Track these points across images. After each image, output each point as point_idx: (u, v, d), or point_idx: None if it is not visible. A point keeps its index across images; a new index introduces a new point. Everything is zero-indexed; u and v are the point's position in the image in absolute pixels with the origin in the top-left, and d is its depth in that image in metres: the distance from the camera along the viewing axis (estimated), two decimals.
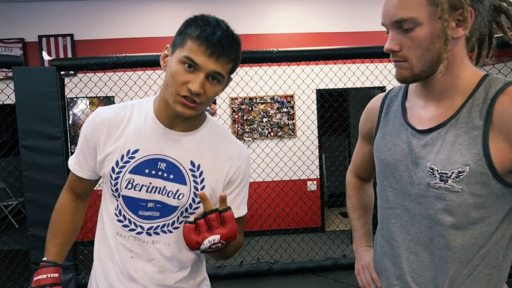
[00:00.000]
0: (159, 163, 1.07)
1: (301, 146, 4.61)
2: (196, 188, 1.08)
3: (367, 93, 5.14)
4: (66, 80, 3.23)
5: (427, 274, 0.95)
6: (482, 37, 0.94)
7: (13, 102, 2.52)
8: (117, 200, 1.09)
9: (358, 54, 2.96)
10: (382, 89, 4.89)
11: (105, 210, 1.13)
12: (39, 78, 2.52)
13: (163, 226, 1.09)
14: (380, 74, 3.96)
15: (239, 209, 1.16)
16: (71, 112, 4.90)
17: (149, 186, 1.07)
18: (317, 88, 4.85)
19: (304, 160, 4.62)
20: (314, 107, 4.92)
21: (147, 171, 1.06)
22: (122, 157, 1.07)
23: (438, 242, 0.92)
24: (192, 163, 1.08)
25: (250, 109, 5.11)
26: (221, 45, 0.95)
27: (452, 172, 0.87)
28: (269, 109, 5.13)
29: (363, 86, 4.53)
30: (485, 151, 0.84)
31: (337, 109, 4.30)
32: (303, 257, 3.76)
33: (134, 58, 2.68)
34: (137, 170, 1.06)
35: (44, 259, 1.16)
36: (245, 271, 3.08)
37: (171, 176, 1.07)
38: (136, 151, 1.07)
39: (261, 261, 3.22)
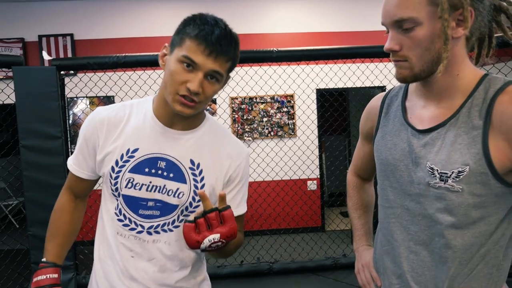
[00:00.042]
0: (159, 162, 1.07)
1: (301, 146, 4.61)
2: (196, 187, 1.08)
3: (367, 93, 5.15)
4: (66, 79, 3.23)
5: (427, 273, 0.95)
6: (482, 37, 0.94)
7: (13, 102, 2.52)
8: (117, 200, 1.09)
9: (358, 54, 2.96)
10: (382, 88, 4.89)
11: (105, 210, 1.13)
12: (39, 78, 2.53)
13: (164, 225, 1.09)
14: (380, 74, 3.96)
15: (239, 207, 1.16)
16: (71, 112, 4.90)
17: (149, 185, 1.07)
18: (317, 87, 4.85)
19: (304, 160, 4.62)
20: (314, 106, 4.92)
21: (147, 170, 1.06)
22: (122, 156, 1.07)
23: (438, 241, 0.92)
24: (192, 162, 1.08)
25: (250, 108, 5.11)
26: (219, 44, 0.95)
27: (452, 172, 0.87)
28: (269, 108, 5.13)
29: (363, 85, 4.53)
30: (484, 151, 0.84)
31: (337, 108, 4.31)
32: (303, 257, 3.77)
33: (134, 58, 2.68)
34: (137, 169, 1.06)
35: (44, 260, 1.15)
36: (245, 271, 3.09)
37: (171, 175, 1.07)
38: (135, 150, 1.07)
39: (261, 261, 3.22)
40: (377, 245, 1.12)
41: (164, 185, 1.07)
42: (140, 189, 1.07)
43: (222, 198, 0.98)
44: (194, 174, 1.08)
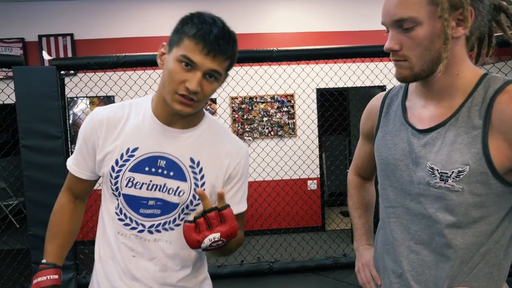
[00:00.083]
0: (159, 160, 1.07)
1: (301, 145, 4.61)
2: (196, 185, 1.08)
3: (367, 92, 5.14)
4: (66, 79, 3.23)
5: (427, 272, 0.95)
6: (482, 36, 0.94)
7: (14, 102, 2.52)
8: (118, 199, 1.09)
9: (358, 53, 2.96)
10: (382, 88, 4.89)
11: (105, 210, 1.13)
12: (39, 77, 2.53)
13: (165, 223, 1.09)
14: (380, 73, 3.96)
15: (239, 205, 1.16)
16: (71, 112, 4.90)
17: (149, 184, 1.07)
18: (317, 87, 4.85)
19: (305, 159, 4.62)
20: (314, 106, 4.92)
21: (147, 169, 1.06)
22: (122, 155, 1.07)
23: (439, 241, 0.92)
24: (192, 160, 1.09)
25: (250, 108, 5.11)
26: (217, 44, 0.95)
27: (452, 172, 0.87)
28: (269, 108, 5.13)
29: (363, 85, 4.53)
30: (484, 150, 0.84)
31: (337, 108, 4.31)
32: (303, 256, 3.77)
33: (134, 58, 2.68)
34: (137, 168, 1.06)
35: (44, 261, 1.15)
36: (245, 270, 3.09)
37: (171, 173, 1.07)
38: (135, 149, 1.07)
39: (261, 260, 3.22)
40: (377, 244, 1.12)
41: (165, 184, 1.07)
42: (140, 188, 1.07)
43: (221, 196, 0.98)
44: (194, 172, 1.09)
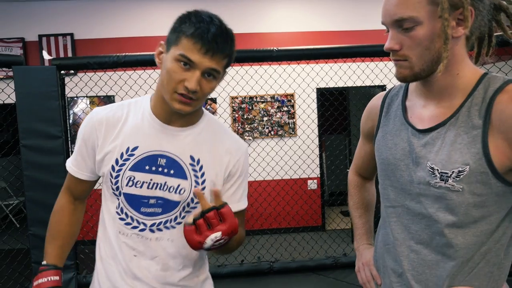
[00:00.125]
0: (159, 159, 1.07)
1: (301, 145, 4.61)
2: (197, 182, 1.08)
3: (367, 92, 5.14)
4: (67, 79, 3.23)
5: (428, 272, 0.95)
6: (482, 36, 0.94)
7: (14, 102, 2.52)
8: (118, 199, 1.09)
9: (358, 53, 2.96)
10: (382, 87, 4.89)
11: (106, 210, 1.13)
12: (39, 77, 2.52)
13: (166, 222, 1.09)
14: (380, 73, 3.96)
15: (240, 203, 1.17)
16: (71, 112, 4.91)
17: (150, 183, 1.07)
18: (318, 86, 4.84)
19: (305, 159, 4.62)
20: (314, 105, 4.92)
21: (147, 167, 1.07)
22: (122, 155, 1.07)
23: (439, 240, 0.92)
24: (192, 158, 1.09)
25: (250, 108, 5.11)
26: (215, 42, 0.95)
27: (452, 172, 0.87)
28: (269, 108, 5.13)
29: (363, 84, 4.53)
30: (484, 150, 0.84)
31: (337, 107, 4.31)
32: (303, 256, 3.77)
33: (135, 57, 2.68)
34: (137, 167, 1.07)
35: (44, 262, 1.15)
36: (245, 270, 3.09)
37: (172, 172, 1.07)
38: (135, 148, 1.07)
39: (261, 260, 3.23)
40: (378, 243, 1.12)
41: (165, 182, 1.07)
42: (141, 187, 1.07)
43: (217, 195, 0.97)
44: (194, 170, 1.09)
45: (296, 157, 4.65)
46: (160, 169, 1.07)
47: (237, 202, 1.15)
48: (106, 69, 2.75)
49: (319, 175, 5.24)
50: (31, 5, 4.87)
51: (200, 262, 1.19)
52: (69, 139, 2.75)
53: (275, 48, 2.81)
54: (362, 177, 1.32)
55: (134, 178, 1.06)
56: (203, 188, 1.09)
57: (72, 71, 4.61)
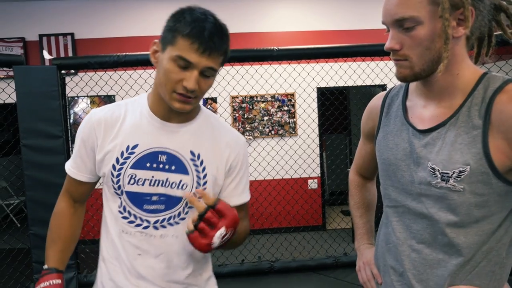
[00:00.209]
0: (160, 155, 1.07)
1: (302, 145, 4.61)
2: (198, 177, 1.09)
3: (368, 91, 5.14)
4: (67, 79, 3.23)
5: (429, 271, 0.95)
6: (482, 36, 0.94)
7: (14, 101, 2.52)
8: (120, 198, 1.09)
9: (358, 52, 2.95)
10: (383, 87, 4.89)
11: (107, 210, 1.13)
12: (40, 77, 2.52)
13: (169, 218, 1.09)
14: (381, 72, 3.96)
15: (242, 196, 1.17)
16: (72, 111, 4.91)
17: (151, 180, 1.07)
18: (318, 86, 4.84)
19: (305, 159, 4.62)
20: (315, 105, 4.92)
21: (148, 164, 1.07)
22: (122, 153, 1.07)
23: (441, 240, 0.92)
24: (192, 153, 1.09)
25: (251, 107, 5.11)
26: (212, 41, 0.95)
27: (453, 172, 0.87)
28: (270, 107, 5.13)
29: (364, 84, 4.53)
30: (485, 150, 0.84)
31: (338, 107, 4.30)
32: (304, 256, 3.77)
33: (135, 57, 2.68)
34: (138, 164, 1.07)
35: (45, 266, 1.14)
36: (246, 270, 3.09)
37: (173, 167, 1.08)
38: (135, 146, 1.07)
39: (262, 260, 3.22)
40: (379, 243, 1.12)
41: (167, 178, 1.07)
42: (143, 184, 1.07)
43: (203, 195, 0.98)
44: (195, 165, 1.09)
45: (296, 156, 4.65)
46: (161, 165, 1.07)
47: (240, 195, 1.16)
48: (107, 69, 2.75)
49: (319, 175, 5.24)
50: (32, 5, 4.87)
51: (204, 260, 1.19)
52: (69, 138, 2.75)
53: (275, 47, 2.81)
54: (363, 177, 1.32)
55: (136, 176, 1.07)
56: (205, 182, 1.09)
57: (73, 71, 4.62)
